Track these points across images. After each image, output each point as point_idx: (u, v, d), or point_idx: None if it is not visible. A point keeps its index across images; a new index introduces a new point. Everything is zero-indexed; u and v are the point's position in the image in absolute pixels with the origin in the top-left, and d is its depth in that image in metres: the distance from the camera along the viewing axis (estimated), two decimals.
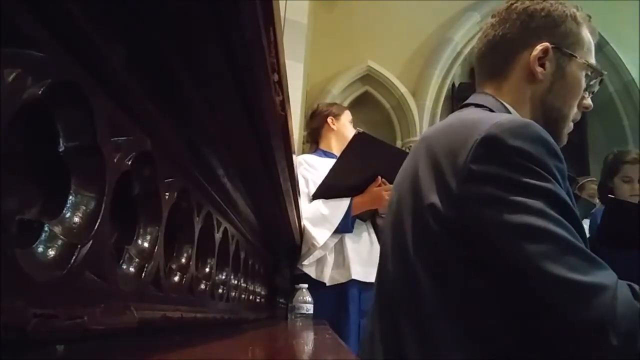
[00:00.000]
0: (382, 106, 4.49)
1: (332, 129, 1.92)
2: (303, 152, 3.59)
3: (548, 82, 0.79)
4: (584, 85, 0.81)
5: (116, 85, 0.41)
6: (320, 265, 1.67)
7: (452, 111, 5.05)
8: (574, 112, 0.82)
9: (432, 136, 0.73)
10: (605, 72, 0.83)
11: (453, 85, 4.68)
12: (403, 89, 4.43)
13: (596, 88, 0.84)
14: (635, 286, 0.60)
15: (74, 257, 0.34)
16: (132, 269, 0.47)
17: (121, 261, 0.46)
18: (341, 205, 1.66)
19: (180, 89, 0.50)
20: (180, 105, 0.53)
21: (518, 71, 0.80)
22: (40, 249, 0.33)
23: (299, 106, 2.77)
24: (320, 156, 1.88)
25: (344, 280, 1.65)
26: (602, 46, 4.43)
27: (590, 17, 0.84)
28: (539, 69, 0.78)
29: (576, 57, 0.79)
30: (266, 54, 0.45)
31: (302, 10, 2.80)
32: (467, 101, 0.83)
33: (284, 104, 0.59)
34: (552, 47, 0.78)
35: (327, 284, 1.65)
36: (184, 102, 0.53)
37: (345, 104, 3.92)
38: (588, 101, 0.84)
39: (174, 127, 0.54)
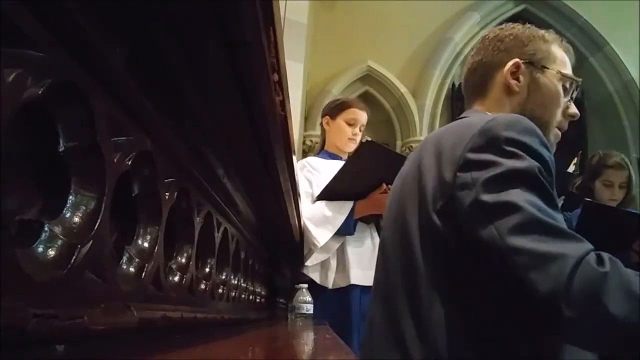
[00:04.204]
0: (382, 106, 4.49)
1: (326, 130, 1.88)
2: (303, 153, 3.60)
3: (525, 93, 0.86)
4: (562, 94, 0.87)
5: (116, 85, 0.41)
6: (324, 270, 1.67)
7: (452, 111, 5.05)
8: (558, 120, 0.88)
9: (437, 136, 0.78)
10: (580, 79, 0.90)
11: (453, 85, 4.67)
12: (403, 89, 4.43)
13: (575, 94, 0.90)
14: (607, 255, 0.59)
15: (74, 257, 0.34)
16: (132, 269, 0.47)
17: (121, 261, 0.46)
18: (344, 208, 1.65)
19: (180, 89, 0.50)
20: (180, 105, 0.53)
21: (497, 88, 0.88)
22: (40, 249, 0.33)
23: (299, 106, 2.77)
24: (325, 158, 1.86)
25: (344, 285, 1.65)
26: (601, 46, 4.43)
27: (562, 39, 0.93)
28: (514, 82, 0.86)
29: (548, 68, 0.86)
30: (266, 54, 0.45)
31: (302, 10, 2.80)
32: (460, 116, 0.89)
33: (284, 104, 0.59)
34: (523, 62, 0.86)
35: (330, 288, 1.65)
36: (184, 102, 0.53)
37: None
38: (573, 109, 0.90)
39: (174, 127, 0.54)
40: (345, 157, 1.87)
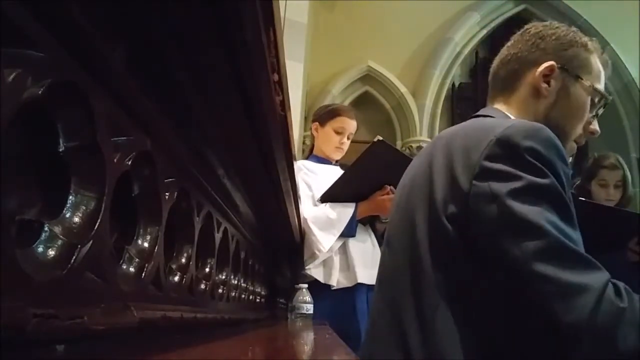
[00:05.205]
0: (382, 106, 4.49)
1: (315, 136, 1.88)
2: (302, 152, 3.60)
3: (552, 99, 0.82)
4: (588, 108, 0.83)
5: (116, 85, 0.41)
6: (327, 269, 1.66)
7: (452, 111, 5.05)
8: (578, 134, 0.85)
9: (450, 135, 0.76)
10: (611, 97, 0.86)
11: (453, 85, 4.68)
12: (403, 89, 4.43)
13: (601, 111, 0.87)
14: (622, 286, 0.61)
15: (74, 257, 0.34)
16: (132, 269, 0.47)
17: (121, 261, 0.46)
18: (347, 210, 1.65)
19: (181, 89, 0.50)
20: (180, 105, 0.53)
21: (526, 87, 0.84)
22: (40, 249, 0.33)
23: (299, 106, 2.77)
24: (314, 161, 1.86)
25: (350, 284, 1.65)
26: (601, 46, 4.43)
27: (603, 51, 0.89)
28: (544, 85, 0.82)
29: (582, 79, 0.83)
30: (266, 54, 0.45)
31: (302, 10, 2.80)
32: (477, 113, 0.86)
33: (284, 104, 0.59)
34: (558, 67, 0.82)
35: (334, 287, 1.65)
36: (184, 102, 0.53)
37: (345, 104, 3.91)
38: (595, 126, 0.87)
39: (174, 127, 0.54)
40: (333, 162, 1.87)
